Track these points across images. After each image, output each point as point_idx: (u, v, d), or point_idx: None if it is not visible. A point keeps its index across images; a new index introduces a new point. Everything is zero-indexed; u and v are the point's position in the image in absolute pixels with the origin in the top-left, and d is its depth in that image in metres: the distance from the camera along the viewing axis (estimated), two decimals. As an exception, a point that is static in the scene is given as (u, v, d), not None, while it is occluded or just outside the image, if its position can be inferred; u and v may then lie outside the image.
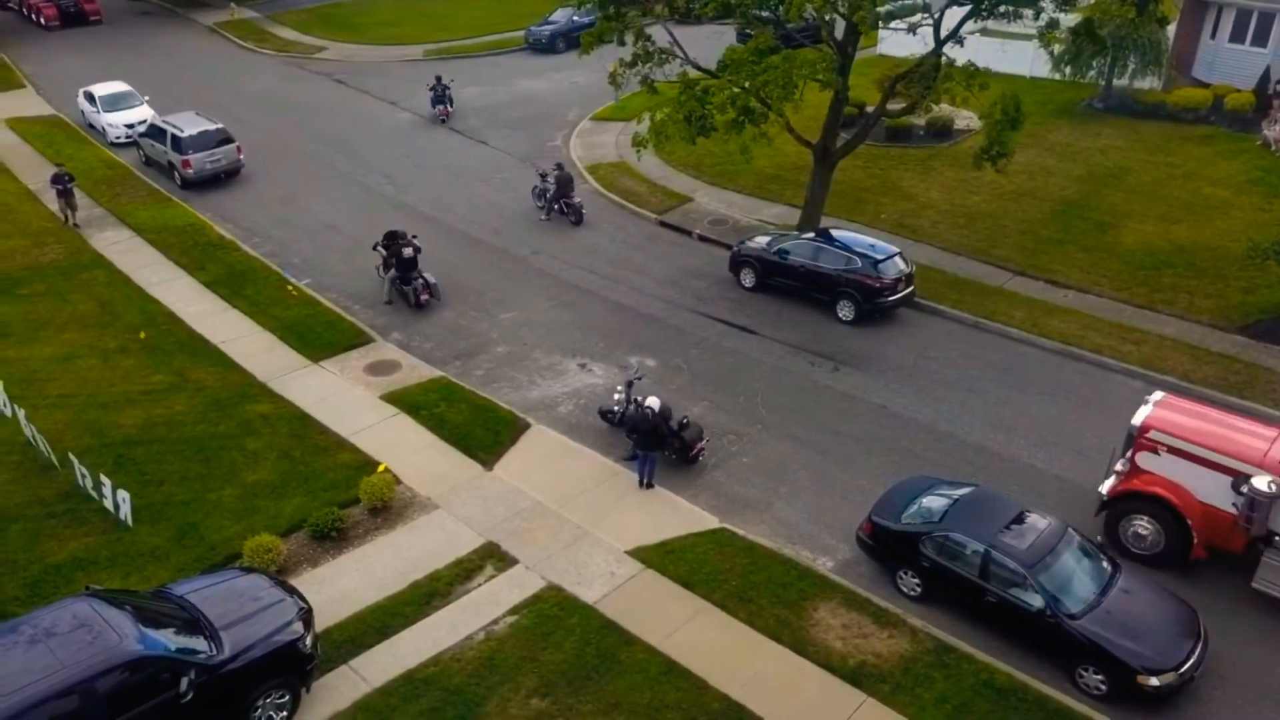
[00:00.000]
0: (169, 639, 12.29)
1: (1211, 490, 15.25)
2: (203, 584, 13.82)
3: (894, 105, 25.95)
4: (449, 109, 36.97)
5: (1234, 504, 14.89)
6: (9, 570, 15.58)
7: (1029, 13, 22.51)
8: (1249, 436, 15.53)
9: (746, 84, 22.45)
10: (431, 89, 36.92)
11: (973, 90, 21.66)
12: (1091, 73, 32.83)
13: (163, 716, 11.87)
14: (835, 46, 24.06)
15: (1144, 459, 15.98)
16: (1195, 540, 15.42)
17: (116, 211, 29.24)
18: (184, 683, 11.94)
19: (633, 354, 22.16)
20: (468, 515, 17.23)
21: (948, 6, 22.81)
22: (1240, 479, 14.78)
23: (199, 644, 12.49)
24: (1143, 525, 15.84)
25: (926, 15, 22.72)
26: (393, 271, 24.15)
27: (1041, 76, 35.60)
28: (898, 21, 22.99)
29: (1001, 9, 21.97)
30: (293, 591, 14.01)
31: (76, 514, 16.87)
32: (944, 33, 23.02)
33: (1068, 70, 32.61)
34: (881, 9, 20.94)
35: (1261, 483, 14.40)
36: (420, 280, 24.05)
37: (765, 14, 23.63)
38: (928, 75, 22.04)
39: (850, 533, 16.65)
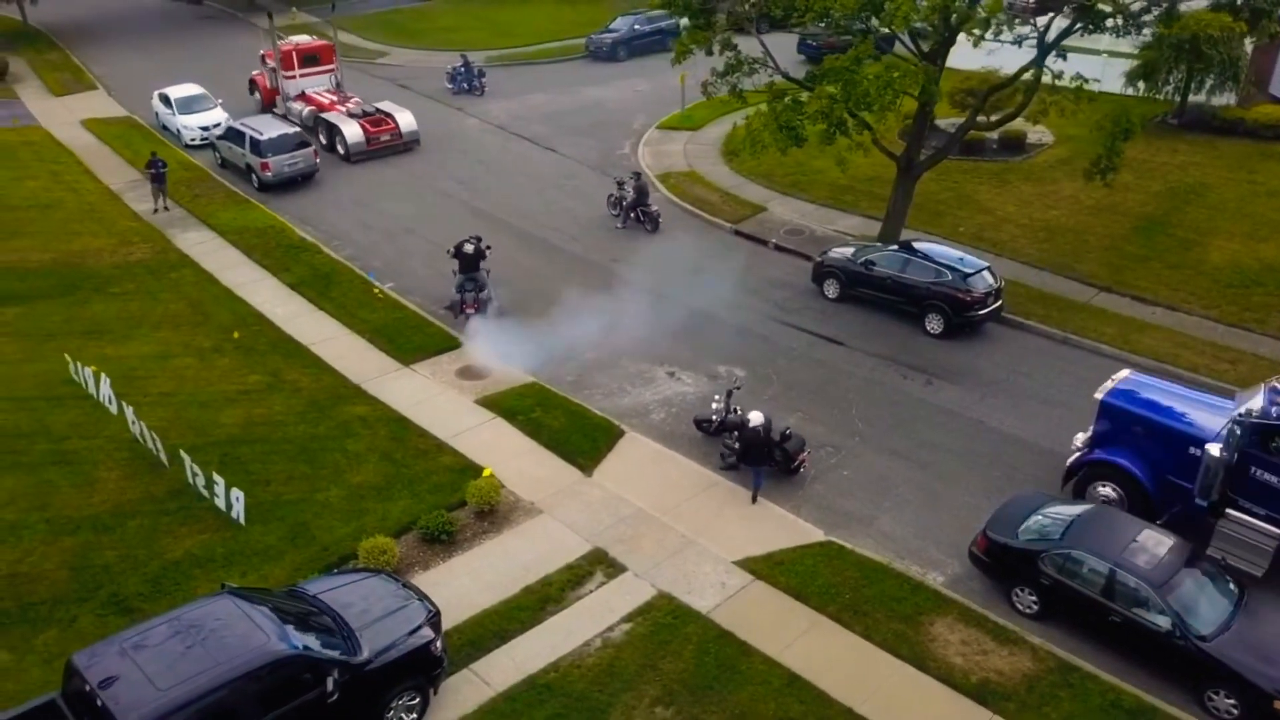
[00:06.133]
0: (313, 638, 12.38)
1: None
2: (333, 584, 13.92)
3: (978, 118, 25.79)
4: (479, 83, 41.00)
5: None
6: (130, 565, 15.80)
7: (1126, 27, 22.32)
8: (327, 96, 33.79)
9: (839, 95, 22.32)
10: (454, 72, 41.00)
11: (1080, 103, 21.49)
12: (1168, 88, 32.50)
13: (307, 715, 11.96)
14: (923, 57, 23.92)
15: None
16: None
17: (197, 212, 29.61)
18: (330, 682, 12.01)
19: (721, 363, 22.16)
20: (572, 521, 17.28)
21: (1052, 20, 22.67)
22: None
23: (340, 644, 12.58)
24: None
25: (1033, 28, 22.55)
26: (459, 279, 23.66)
27: (1113, 91, 35.21)
28: (1005, 34, 22.75)
29: (1108, 23, 21.75)
30: (420, 594, 14.08)
31: (189, 511, 17.07)
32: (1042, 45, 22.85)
33: (1142, 85, 32.31)
34: (994, 19, 20.70)
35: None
36: (471, 292, 23.26)
37: (859, 25, 23.51)
38: (1030, 87, 21.86)
39: (959, 548, 16.55)
